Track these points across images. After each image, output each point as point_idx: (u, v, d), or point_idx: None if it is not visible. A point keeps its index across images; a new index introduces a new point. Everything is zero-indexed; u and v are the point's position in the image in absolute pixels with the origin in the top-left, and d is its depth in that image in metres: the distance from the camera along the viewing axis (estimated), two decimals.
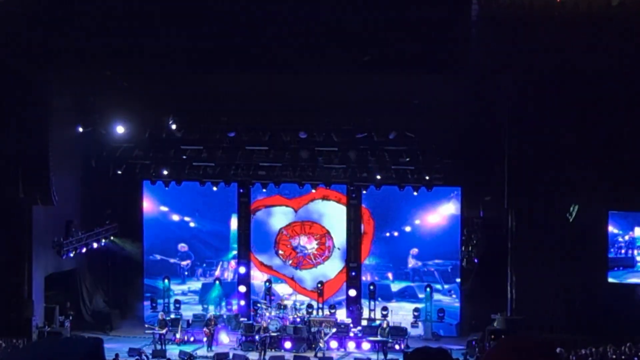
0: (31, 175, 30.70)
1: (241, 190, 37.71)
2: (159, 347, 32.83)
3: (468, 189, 35.41)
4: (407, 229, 37.68)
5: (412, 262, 37.65)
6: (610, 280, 32.04)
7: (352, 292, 37.11)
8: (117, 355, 28.51)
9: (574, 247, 31.32)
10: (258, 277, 38.21)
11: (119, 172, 36.30)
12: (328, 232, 38.05)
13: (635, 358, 22.79)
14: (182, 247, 39.04)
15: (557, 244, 31.41)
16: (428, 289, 36.57)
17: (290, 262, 38.23)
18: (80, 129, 33.38)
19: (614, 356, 23.92)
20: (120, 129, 33.48)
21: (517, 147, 30.34)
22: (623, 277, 32.27)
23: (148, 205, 38.58)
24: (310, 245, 38.21)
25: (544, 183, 30.46)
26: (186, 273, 39.00)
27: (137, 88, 32.07)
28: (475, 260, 35.19)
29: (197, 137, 34.54)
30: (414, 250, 37.59)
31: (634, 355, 23.60)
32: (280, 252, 38.35)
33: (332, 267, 38.06)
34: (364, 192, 37.09)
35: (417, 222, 37.39)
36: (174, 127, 33.65)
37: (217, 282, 37.71)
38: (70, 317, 34.55)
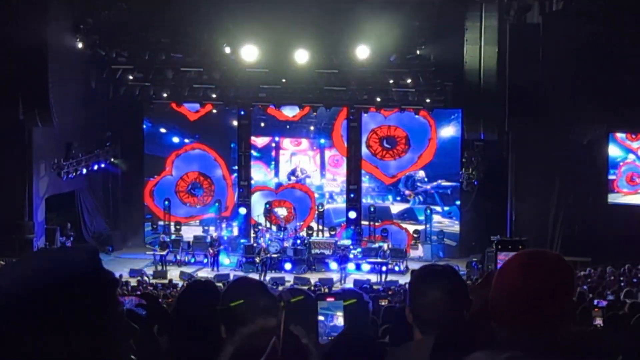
0: (31, 96, 30.53)
1: (241, 112, 37.65)
2: (159, 268, 33.07)
3: (469, 111, 35.29)
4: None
5: (416, 185, 37.79)
6: (610, 201, 32.16)
7: (352, 214, 37.25)
8: (120, 276, 28.68)
9: (574, 169, 31.30)
10: (259, 199, 38.31)
11: (119, 94, 36.22)
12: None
13: (634, 279, 22.88)
14: None
15: (557, 166, 31.40)
16: (428, 211, 36.70)
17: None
18: (80, 45, 33.12)
19: (612, 277, 24.00)
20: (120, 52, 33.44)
21: (518, 69, 30.14)
22: (622, 199, 32.40)
23: (148, 126, 38.56)
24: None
25: (545, 105, 30.31)
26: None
27: (137, 9, 31.79)
28: (475, 183, 35.25)
29: (197, 59, 34.30)
30: (421, 173, 37.66)
31: (634, 276, 23.68)
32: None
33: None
34: (365, 114, 37.07)
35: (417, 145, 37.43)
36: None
37: (217, 203, 37.80)
38: (71, 238, 34.69)
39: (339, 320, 3.93)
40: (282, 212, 37.46)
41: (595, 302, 14.22)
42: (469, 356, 2.46)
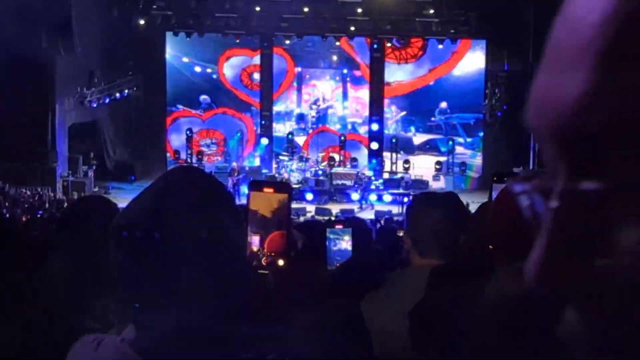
0: (54, 25, 30.51)
1: (264, 44, 37.53)
2: None
3: (493, 42, 35.08)
4: (430, 82, 37.56)
5: (438, 116, 37.69)
6: None
7: (374, 145, 37.22)
8: (116, 205, 28.74)
9: None
10: (280, 130, 38.32)
11: (141, 22, 36.14)
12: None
13: None
14: (204, 98, 39.10)
15: None
16: (450, 142, 36.61)
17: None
18: None
19: None
20: None
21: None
22: None
23: (170, 56, 38.54)
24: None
25: None
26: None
27: None
28: (499, 114, 35.11)
29: None
30: (443, 104, 37.54)
31: None
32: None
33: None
34: (388, 45, 36.88)
35: (440, 75, 37.26)
36: None
37: (239, 134, 37.83)
38: (94, 167, 34.83)
39: (343, 244, 3.96)
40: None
41: None
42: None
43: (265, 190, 2.63)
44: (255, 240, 2.56)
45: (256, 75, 38.45)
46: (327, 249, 4.08)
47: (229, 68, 38.85)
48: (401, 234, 16.46)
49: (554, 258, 0.76)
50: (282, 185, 2.97)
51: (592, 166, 0.72)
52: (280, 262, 2.56)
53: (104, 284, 3.29)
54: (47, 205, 27.60)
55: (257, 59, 38.29)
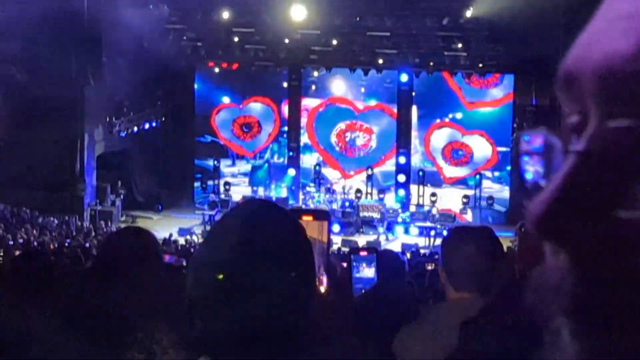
0: (84, 55, 30.76)
1: (293, 76, 37.67)
2: (208, 227, 33.22)
3: (521, 76, 35.06)
4: (459, 115, 37.55)
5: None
6: None
7: (401, 178, 37.20)
8: (170, 235, 28.89)
9: None
10: (308, 161, 38.38)
11: (171, 54, 36.36)
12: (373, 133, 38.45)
13: None
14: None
15: None
16: (478, 176, 36.53)
17: (338, 148, 38.55)
18: (133, 4, 33.27)
19: None
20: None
21: (572, 34, 29.82)
22: None
23: (199, 86, 38.74)
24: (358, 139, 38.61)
25: None
26: (236, 155, 39.34)
27: None
28: None
29: (248, 20, 34.26)
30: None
31: None
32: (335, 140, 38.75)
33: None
34: (416, 77, 36.90)
35: (468, 109, 37.25)
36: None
37: (266, 165, 37.90)
38: (122, 196, 34.97)
39: (365, 271, 3.99)
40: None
41: None
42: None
43: (304, 218, 2.64)
44: None
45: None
46: (352, 275, 4.10)
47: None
48: (429, 267, 16.47)
49: (565, 205, 0.77)
50: (321, 213, 2.99)
51: (632, 107, 0.75)
52: (322, 289, 2.57)
53: (148, 314, 3.33)
54: (74, 233, 27.71)
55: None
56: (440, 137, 37.81)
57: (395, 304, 4.43)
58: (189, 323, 2.08)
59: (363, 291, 3.99)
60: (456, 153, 37.53)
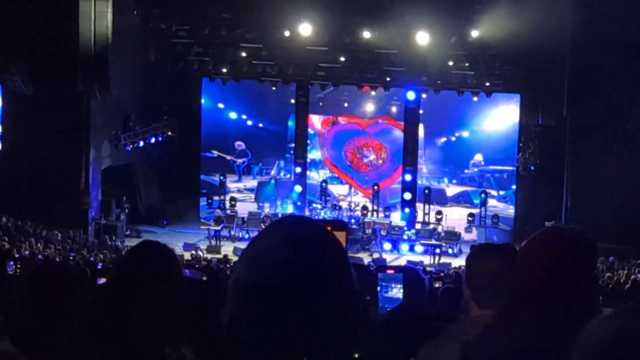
0: (90, 67, 30.76)
1: (300, 92, 37.69)
2: (214, 243, 33.21)
3: (527, 96, 35.07)
4: (465, 134, 37.58)
5: (472, 169, 37.71)
6: None
7: (407, 196, 37.18)
8: (172, 249, 28.80)
9: (632, 156, 30.91)
10: (314, 177, 38.39)
11: (178, 68, 36.42)
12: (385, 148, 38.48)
13: None
14: (239, 144, 39.29)
15: (614, 153, 31.02)
16: (483, 195, 36.50)
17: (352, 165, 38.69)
18: (141, 18, 33.35)
19: None
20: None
21: (579, 55, 29.88)
22: None
23: (206, 101, 38.76)
24: (370, 154, 38.62)
25: (604, 91, 30.01)
26: (242, 170, 39.34)
27: None
28: (532, 168, 35.01)
29: (257, 36, 34.29)
30: (478, 156, 37.55)
31: None
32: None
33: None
34: (424, 96, 36.90)
35: (474, 128, 37.29)
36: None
37: (273, 181, 37.88)
38: (127, 210, 34.96)
39: (394, 291, 3.94)
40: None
41: None
42: None
43: None
44: None
45: None
46: (379, 294, 4.06)
47: None
48: (436, 284, 16.44)
49: None
50: (339, 223, 2.96)
51: None
52: None
53: (173, 329, 3.27)
54: (78, 247, 27.65)
55: None
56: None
57: (419, 321, 4.39)
58: (230, 342, 2.05)
59: (388, 309, 3.95)
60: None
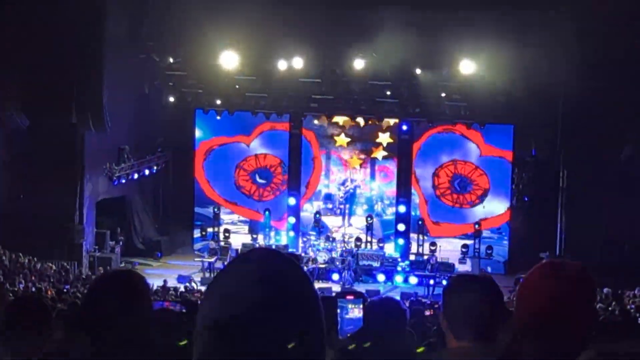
0: (84, 100, 30.84)
1: (293, 124, 37.73)
2: (207, 275, 33.14)
3: (520, 128, 35.15)
4: (460, 165, 37.64)
5: None
6: None
7: (401, 227, 37.18)
8: (165, 281, 28.81)
9: (625, 188, 30.97)
10: (308, 209, 38.35)
11: (172, 100, 36.46)
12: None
13: None
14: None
15: (608, 184, 31.09)
16: (477, 226, 36.49)
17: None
18: (134, 51, 33.41)
19: None
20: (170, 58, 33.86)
21: (572, 88, 29.97)
22: None
23: (200, 134, 38.75)
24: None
25: (597, 123, 30.11)
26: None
27: (192, 16, 31.92)
28: (525, 199, 35.04)
29: (250, 68, 34.36)
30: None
31: None
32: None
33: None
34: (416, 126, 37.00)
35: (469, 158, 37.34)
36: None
37: (267, 212, 37.83)
38: (121, 243, 34.95)
39: (354, 312, 4.00)
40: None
41: None
42: None
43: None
44: None
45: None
46: (338, 316, 4.10)
47: None
48: (427, 312, 16.46)
49: None
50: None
51: None
52: None
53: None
54: (72, 280, 27.61)
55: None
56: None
57: (394, 353, 4.39)
58: None
59: (348, 335, 3.98)
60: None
